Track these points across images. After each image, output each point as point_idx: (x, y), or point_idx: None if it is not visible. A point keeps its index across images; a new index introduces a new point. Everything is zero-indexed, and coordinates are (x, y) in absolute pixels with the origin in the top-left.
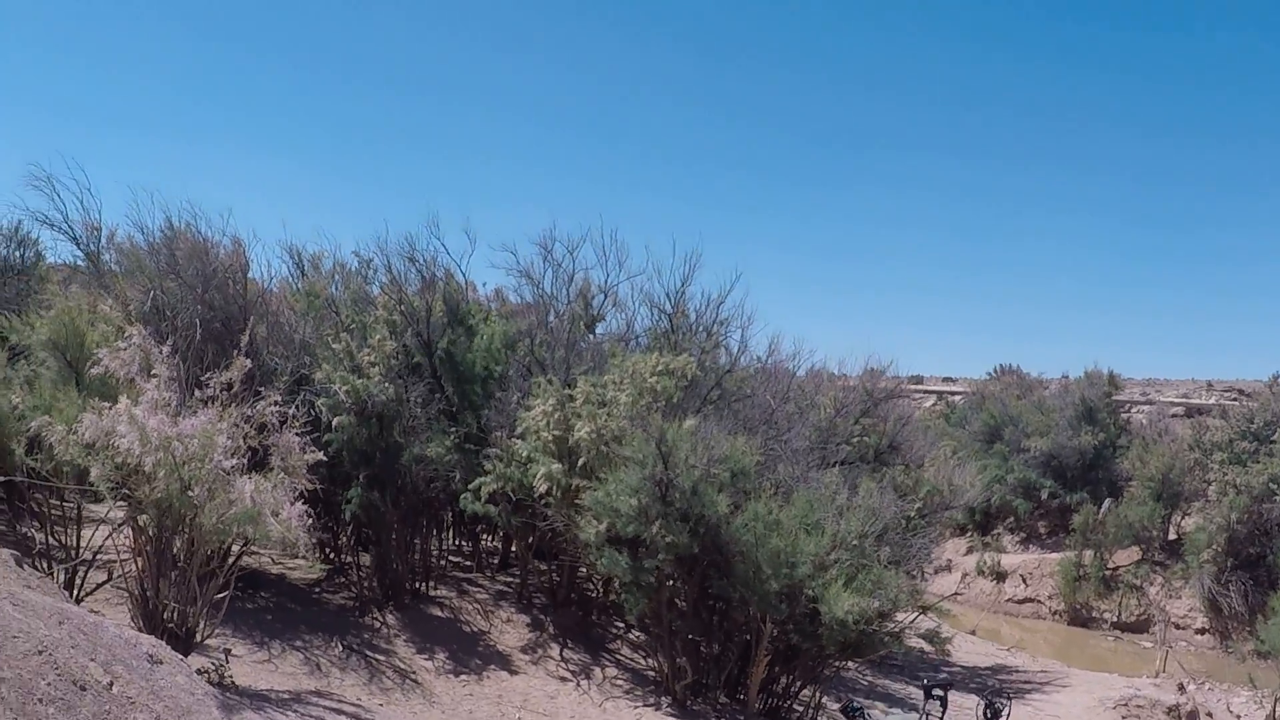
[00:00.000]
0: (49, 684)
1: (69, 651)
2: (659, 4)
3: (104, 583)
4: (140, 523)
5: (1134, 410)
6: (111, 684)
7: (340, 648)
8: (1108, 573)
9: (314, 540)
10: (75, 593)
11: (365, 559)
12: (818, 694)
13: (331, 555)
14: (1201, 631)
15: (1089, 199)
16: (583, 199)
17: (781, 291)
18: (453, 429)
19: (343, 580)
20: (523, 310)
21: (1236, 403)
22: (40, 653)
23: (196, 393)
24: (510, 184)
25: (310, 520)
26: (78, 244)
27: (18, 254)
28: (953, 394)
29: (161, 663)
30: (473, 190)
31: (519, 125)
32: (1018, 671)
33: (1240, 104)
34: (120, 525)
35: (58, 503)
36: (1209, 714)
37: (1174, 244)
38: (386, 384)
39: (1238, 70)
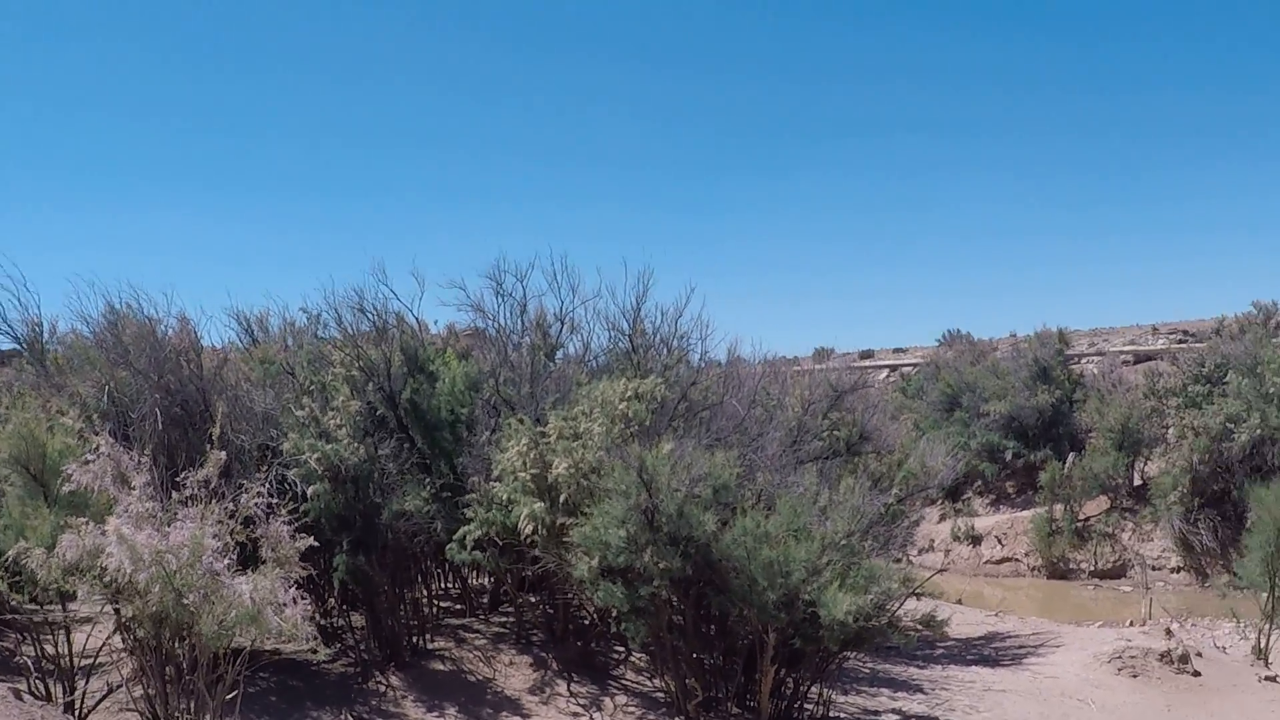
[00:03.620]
0: None
1: None
2: (579, 18)
3: (105, 696)
4: (138, 636)
5: (1084, 362)
6: None
7: (350, 719)
8: (1079, 524)
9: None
10: (78, 711)
11: (356, 619)
12: (824, 690)
13: (322, 622)
14: (1176, 570)
15: (1014, 158)
16: (528, 224)
17: (735, 288)
18: (427, 479)
19: (339, 646)
20: (474, 338)
21: (1184, 345)
22: None
23: (174, 494)
24: (453, 219)
25: (312, 609)
26: (19, 343)
27: None
28: (905, 365)
29: None
30: (415, 231)
31: (454, 158)
32: (1011, 636)
33: (1164, 53)
34: (112, 635)
35: (37, 607)
36: (1198, 653)
37: (1107, 192)
38: (356, 445)
39: (1157, 19)
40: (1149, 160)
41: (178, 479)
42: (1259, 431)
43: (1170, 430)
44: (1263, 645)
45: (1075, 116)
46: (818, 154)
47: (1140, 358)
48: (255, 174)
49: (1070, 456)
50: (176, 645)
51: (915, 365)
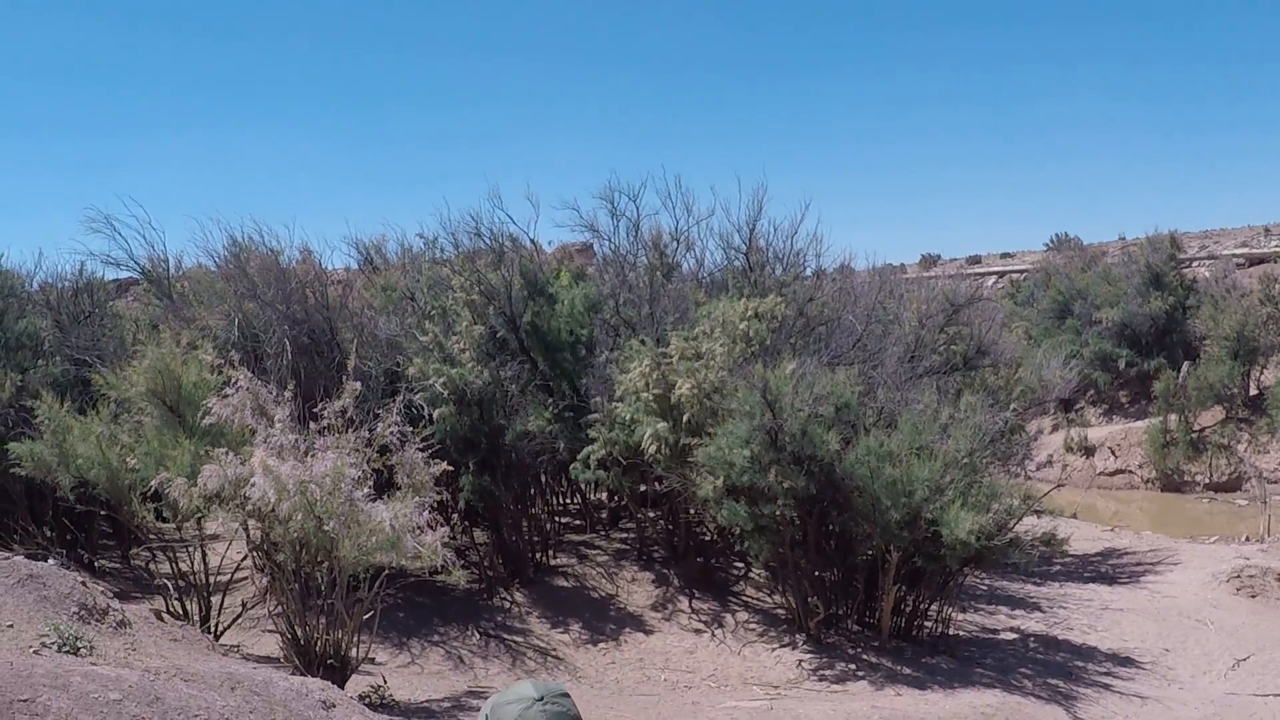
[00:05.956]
0: None
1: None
2: None
3: (239, 615)
4: (275, 559)
5: (1196, 266)
6: None
7: (477, 635)
8: (1194, 435)
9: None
10: (214, 628)
11: (479, 536)
12: (944, 607)
13: (449, 540)
14: None
15: (1121, 51)
16: (638, 135)
17: (844, 188)
18: (549, 400)
19: (463, 563)
20: (584, 253)
21: None
22: None
23: (311, 424)
24: (562, 131)
25: (447, 533)
26: (148, 279)
27: (86, 299)
28: (1013, 271)
29: (334, 706)
30: (526, 143)
31: (561, 70)
32: (1128, 553)
33: None
34: (244, 559)
35: (174, 527)
36: None
37: (1213, 87)
38: (480, 368)
39: None
40: (1256, 53)
41: (312, 408)
42: None
43: None
44: None
45: (1180, 6)
46: (923, 48)
47: (1253, 260)
48: (367, 91)
49: (1185, 365)
50: (315, 568)
51: (1024, 271)
